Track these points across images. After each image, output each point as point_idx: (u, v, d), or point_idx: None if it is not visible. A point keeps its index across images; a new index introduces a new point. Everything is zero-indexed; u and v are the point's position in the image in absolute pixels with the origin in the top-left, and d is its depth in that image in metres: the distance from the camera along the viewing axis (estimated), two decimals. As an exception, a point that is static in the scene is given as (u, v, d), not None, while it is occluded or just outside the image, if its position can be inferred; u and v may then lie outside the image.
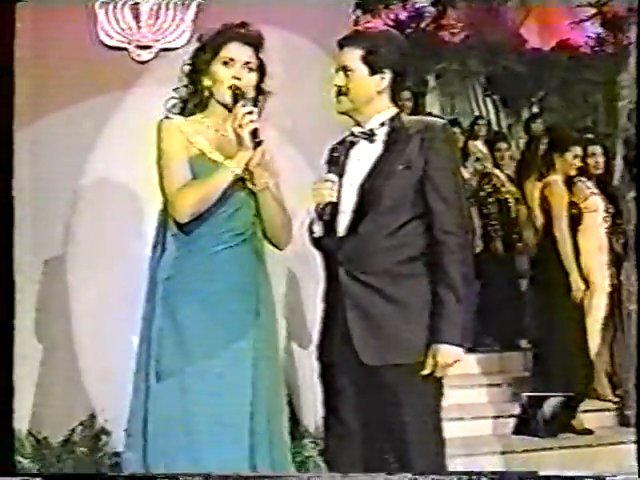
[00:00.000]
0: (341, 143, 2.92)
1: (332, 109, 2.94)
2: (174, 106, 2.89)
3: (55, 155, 4.30)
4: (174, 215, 2.77)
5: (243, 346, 2.78)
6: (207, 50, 2.85)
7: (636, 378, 4.37)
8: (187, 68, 2.89)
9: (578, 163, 5.23)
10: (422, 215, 2.77)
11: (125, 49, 4.36)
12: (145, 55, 4.36)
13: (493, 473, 3.95)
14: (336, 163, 2.86)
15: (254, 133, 2.73)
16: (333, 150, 2.91)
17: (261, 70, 2.88)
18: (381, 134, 2.84)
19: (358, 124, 2.87)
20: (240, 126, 2.73)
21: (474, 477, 3.64)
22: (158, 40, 4.36)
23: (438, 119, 3.05)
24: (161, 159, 2.80)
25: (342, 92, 2.83)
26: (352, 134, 2.88)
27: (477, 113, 7.50)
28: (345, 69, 2.83)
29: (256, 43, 2.87)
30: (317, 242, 2.89)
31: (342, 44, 2.86)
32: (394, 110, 2.89)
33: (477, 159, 6.42)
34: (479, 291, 5.98)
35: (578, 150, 5.24)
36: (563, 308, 5.01)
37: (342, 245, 2.80)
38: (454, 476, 3.44)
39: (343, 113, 2.89)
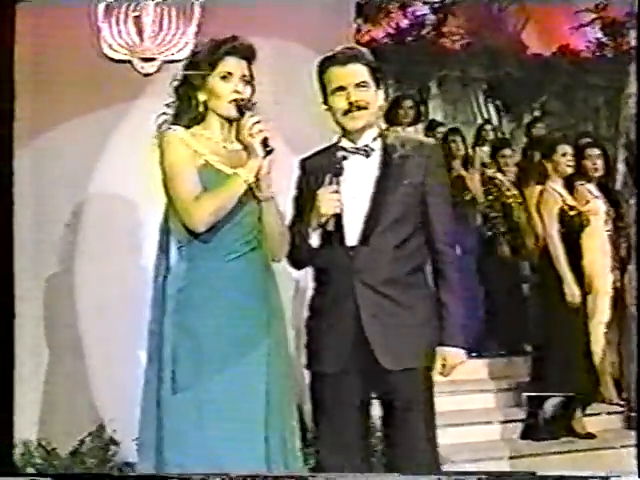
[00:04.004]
0: (317, 154, 3.00)
1: (333, 123, 2.97)
2: (165, 122, 2.88)
3: (58, 168, 4.31)
4: (190, 225, 2.75)
5: (258, 355, 2.79)
6: (202, 65, 2.85)
7: (637, 381, 4.38)
8: (179, 83, 2.89)
9: (570, 161, 5.17)
10: (422, 227, 2.92)
11: (129, 62, 4.40)
12: (149, 67, 4.39)
13: (489, 474, 3.97)
14: (317, 174, 2.90)
15: (264, 142, 2.77)
16: (310, 162, 2.99)
17: (252, 83, 2.90)
18: (377, 150, 2.93)
19: (351, 140, 2.93)
20: (251, 135, 2.76)
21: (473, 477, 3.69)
22: (161, 52, 4.39)
23: (429, 139, 3.18)
24: (169, 170, 2.79)
25: (361, 107, 2.87)
26: (342, 148, 2.93)
27: (480, 119, 7.52)
28: (361, 84, 2.88)
29: (249, 56, 2.88)
30: (309, 252, 2.91)
31: (349, 59, 2.89)
32: (380, 127, 3.00)
33: (483, 164, 6.43)
34: (485, 296, 6.04)
35: (567, 148, 5.19)
36: (561, 313, 5.01)
37: (356, 255, 2.86)
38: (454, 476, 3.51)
39: (351, 130, 2.91)
